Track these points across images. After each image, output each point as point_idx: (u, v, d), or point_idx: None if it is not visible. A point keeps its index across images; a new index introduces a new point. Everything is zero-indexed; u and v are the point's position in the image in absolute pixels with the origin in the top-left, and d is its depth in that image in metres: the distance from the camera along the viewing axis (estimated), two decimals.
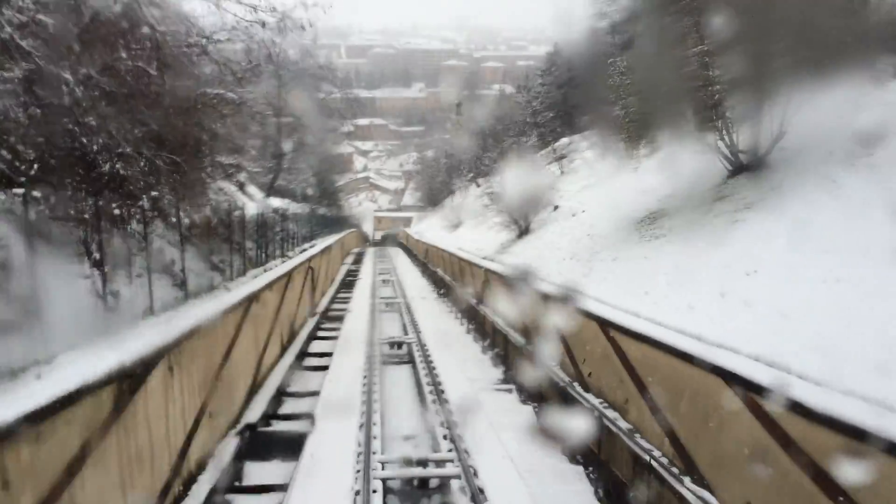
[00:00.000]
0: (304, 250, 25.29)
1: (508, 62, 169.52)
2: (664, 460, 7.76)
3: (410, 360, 15.73)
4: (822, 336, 6.96)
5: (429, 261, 39.35)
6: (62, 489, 4.93)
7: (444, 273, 30.19)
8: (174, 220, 12.04)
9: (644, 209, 17.29)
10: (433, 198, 70.64)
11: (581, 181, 28.04)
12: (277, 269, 16.57)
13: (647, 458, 7.88)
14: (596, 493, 9.05)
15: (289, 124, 31.08)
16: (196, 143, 13.50)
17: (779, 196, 11.93)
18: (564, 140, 38.96)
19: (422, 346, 16.44)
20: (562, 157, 35.03)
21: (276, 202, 27.05)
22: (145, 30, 11.46)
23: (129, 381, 6.01)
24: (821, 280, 8.12)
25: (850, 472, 5.02)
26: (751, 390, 6.30)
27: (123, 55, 11.23)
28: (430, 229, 54.51)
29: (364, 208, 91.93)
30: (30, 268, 6.18)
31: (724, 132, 13.90)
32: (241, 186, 24.99)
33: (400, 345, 16.82)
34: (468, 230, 39.50)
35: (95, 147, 9.96)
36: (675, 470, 7.49)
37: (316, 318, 21.55)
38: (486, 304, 19.68)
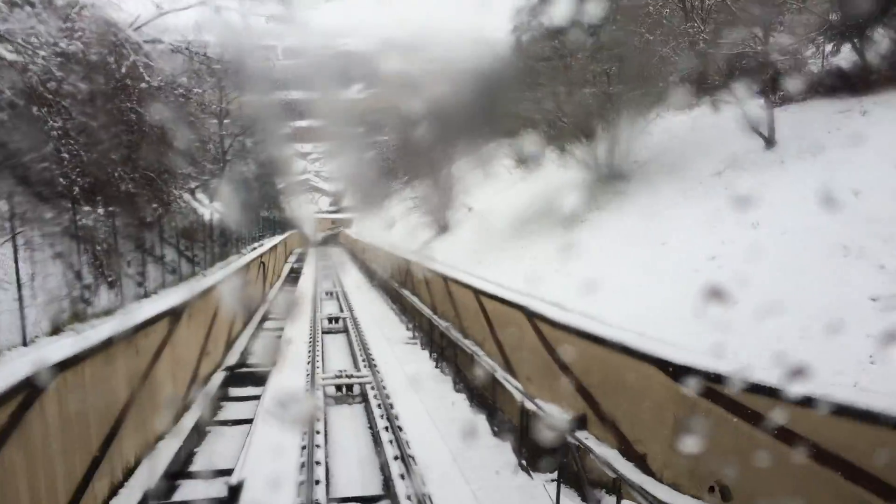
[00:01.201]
0: (255, 248, 29.66)
1: (447, 63, 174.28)
2: (494, 364, 12.83)
3: (345, 330, 20.53)
4: (589, 286, 12.12)
5: (366, 258, 44.04)
6: (151, 367, 9.55)
7: (377, 267, 35.01)
8: (163, 225, 16.54)
9: (532, 210, 22.62)
10: (371, 200, 74.96)
11: (497, 185, 33.25)
12: (237, 262, 21.09)
13: (490, 368, 12.93)
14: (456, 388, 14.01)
15: (230, 129, 34.96)
16: (166, 163, 17.97)
17: (620, 199, 17.36)
18: (491, 145, 44.15)
19: (354, 321, 21.27)
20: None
21: (221, 206, 31.23)
22: (142, 84, 16.06)
23: (173, 316, 10.64)
24: (617, 257, 13.36)
25: (568, 351, 10.06)
26: (534, 317, 11.36)
27: (128, 104, 15.80)
28: (368, 230, 59.03)
29: (305, 210, 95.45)
30: (84, 256, 10.74)
31: (590, 151, 19.37)
32: (192, 192, 29.20)
33: (337, 319, 21.61)
34: (400, 230, 44.35)
35: (116, 174, 14.43)
36: (498, 367, 12.57)
37: (267, 305, 26.02)
38: (407, 287, 24.62)
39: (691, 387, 7.14)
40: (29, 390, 5.66)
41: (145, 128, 15.86)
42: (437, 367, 15.92)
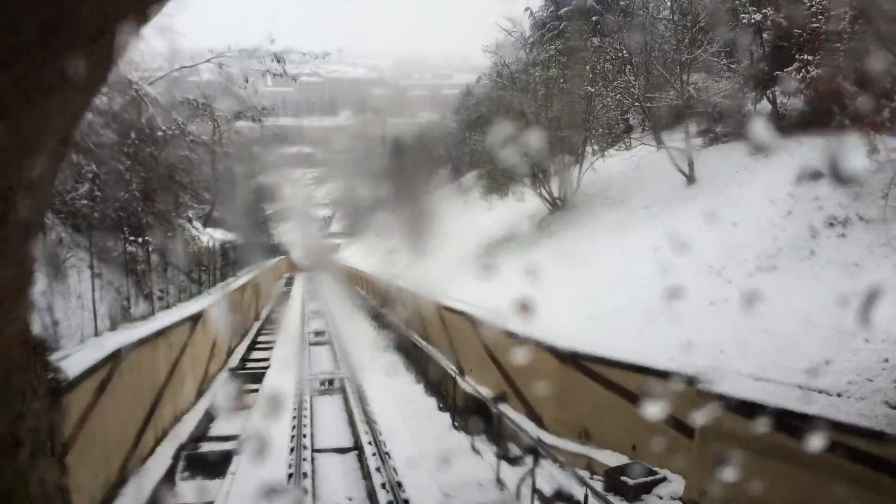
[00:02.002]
0: (249, 271, 32.78)
1: (433, 90, 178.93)
2: (449, 362, 15.98)
3: (329, 343, 23.65)
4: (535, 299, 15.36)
5: (350, 281, 47.19)
6: (178, 358, 12.66)
7: (361, 289, 38.16)
8: (177, 250, 19.67)
9: (497, 235, 26.02)
10: (358, 226, 78.24)
11: (473, 213, 36.63)
12: (235, 282, 24.21)
13: (444, 365, 16.06)
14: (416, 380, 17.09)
15: (223, 159, 38.07)
16: (175, 197, 21.17)
17: (568, 226, 20.74)
18: (471, 174, 47.65)
19: (338, 336, 24.38)
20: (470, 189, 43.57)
21: (216, 233, 34.40)
22: (158, 133, 19.35)
23: (193, 321, 13.77)
24: (560, 275, 16.58)
25: (497, 347, 13.22)
26: (475, 322, 14.53)
27: (147, 149, 19.07)
28: (354, 255, 62.24)
29: (293, 236, 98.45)
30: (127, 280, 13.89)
31: (544, 185, 22.83)
32: (190, 220, 32.37)
33: (322, 332, 24.73)
34: (384, 255, 47.60)
35: (140, 209, 17.62)
36: (450, 364, 15.73)
37: (261, 322, 29.11)
38: (387, 307, 27.79)
39: (568, 364, 10.36)
40: (115, 359, 8.80)
41: (161, 169, 19.08)
42: (405, 366, 19.14)
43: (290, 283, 55.46)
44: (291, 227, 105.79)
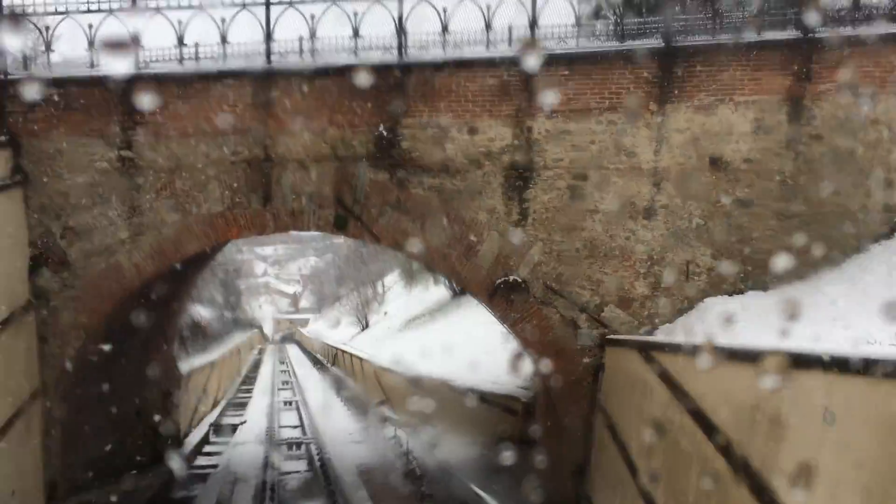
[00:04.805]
0: (231, 341, 44.14)
1: None
2: (360, 388, 27.57)
3: (292, 388, 35.03)
4: (427, 352, 27.28)
5: (313, 350, 58.60)
6: (233, 366, 24.18)
7: (320, 355, 49.66)
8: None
9: (419, 311, 37.91)
10: (324, 302, 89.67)
11: (414, 292, 48.48)
12: (224, 348, 35.68)
13: (358, 390, 27.57)
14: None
15: None
16: None
17: (459, 308, 32.75)
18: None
19: (299, 384, 35.80)
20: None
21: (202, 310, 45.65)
22: None
23: (213, 365, 25.36)
24: (451, 338, 28.51)
25: (381, 376, 24.84)
26: (371, 363, 26.18)
27: None
28: (319, 329, 73.58)
29: (264, 311, 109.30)
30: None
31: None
32: None
33: (288, 383, 36.19)
34: (343, 327, 59.21)
35: None
36: (360, 390, 27.33)
37: (238, 383, 40.31)
38: (336, 365, 39.30)
39: (411, 379, 22.10)
40: (214, 363, 20.48)
41: None
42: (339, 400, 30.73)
43: (261, 352, 66.46)
44: (263, 302, 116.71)
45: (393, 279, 58.86)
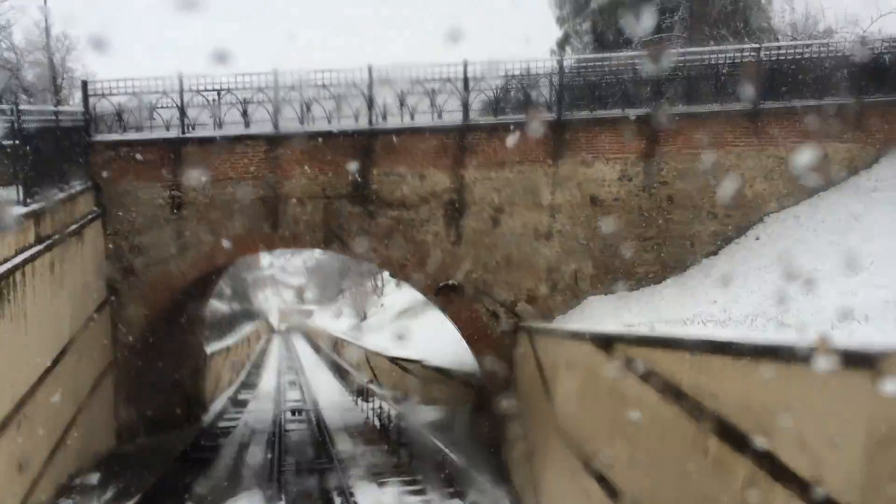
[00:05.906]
0: (242, 330, 48.79)
1: None
2: (361, 375, 32.17)
3: (296, 371, 39.62)
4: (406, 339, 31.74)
5: (317, 339, 63.23)
6: (243, 352, 28.74)
7: (322, 343, 54.26)
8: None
9: (409, 305, 42.37)
10: (328, 294, 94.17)
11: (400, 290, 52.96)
12: (237, 335, 40.28)
13: (356, 377, 32.15)
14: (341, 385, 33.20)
15: None
16: None
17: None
18: None
19: (302, 368, 40.38)
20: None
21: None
22: None
23: (228, 350, 29.89)
24: (425, 332, 33.06)
25: (373, 361, 29.32)
26: (365, 350, 30.66)
27: None
28: (322, 320, 78.26)
29: (271, 302, 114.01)
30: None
31: None
32: None
33: (292, 367, 40.81)
34: (344, 318, 63.88)
35: None
36: (360, 375, 31.93)
37: (248, 367, 44.95)
38: (337, 355, 43.86)
39: (392, 360, 26.60)
40: (229, 347, 25.05)
41: None
42: (336, 380, 35.31)
43: (268, 342, 71.24)
44: (269, 294, 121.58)
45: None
